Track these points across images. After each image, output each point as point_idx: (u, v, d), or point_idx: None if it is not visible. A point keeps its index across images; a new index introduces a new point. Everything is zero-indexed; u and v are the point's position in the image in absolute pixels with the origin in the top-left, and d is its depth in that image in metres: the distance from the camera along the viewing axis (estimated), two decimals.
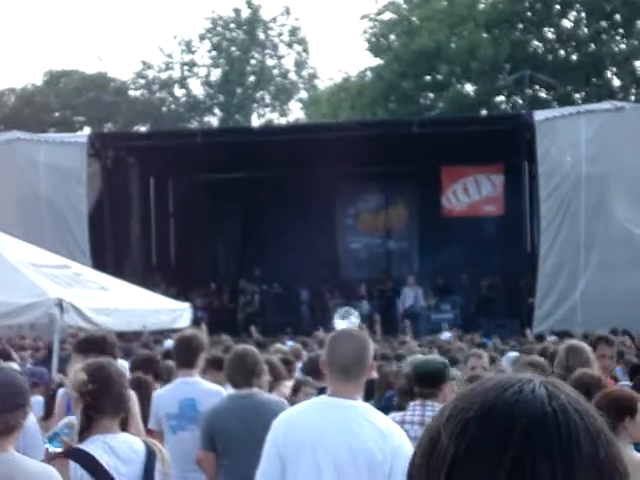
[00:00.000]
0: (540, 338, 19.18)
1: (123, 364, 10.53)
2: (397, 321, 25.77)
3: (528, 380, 1.28)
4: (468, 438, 1.23)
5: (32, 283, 12.24)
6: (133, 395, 6.55)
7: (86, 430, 4.41)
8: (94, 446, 4.35)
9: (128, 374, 7.21)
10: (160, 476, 4.50)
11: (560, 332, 19.58)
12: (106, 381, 4.43)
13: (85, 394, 4.40)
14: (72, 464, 4.28)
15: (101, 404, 4.40)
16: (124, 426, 4.51)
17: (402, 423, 5.78)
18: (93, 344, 6.54)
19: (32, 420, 5.94)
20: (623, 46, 37.23)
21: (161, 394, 7.50)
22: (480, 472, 1.21)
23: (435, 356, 7.81)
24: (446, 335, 19.55)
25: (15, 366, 10.53)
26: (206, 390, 7.34)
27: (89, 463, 4.28)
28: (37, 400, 9.22)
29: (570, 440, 1.21)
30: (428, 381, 6.26)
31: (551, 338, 18.39)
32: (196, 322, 17.52)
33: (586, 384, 5.92)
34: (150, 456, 4.46)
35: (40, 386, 9.65)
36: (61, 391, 7.47)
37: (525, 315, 24.28)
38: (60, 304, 11.67)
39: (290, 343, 15.96)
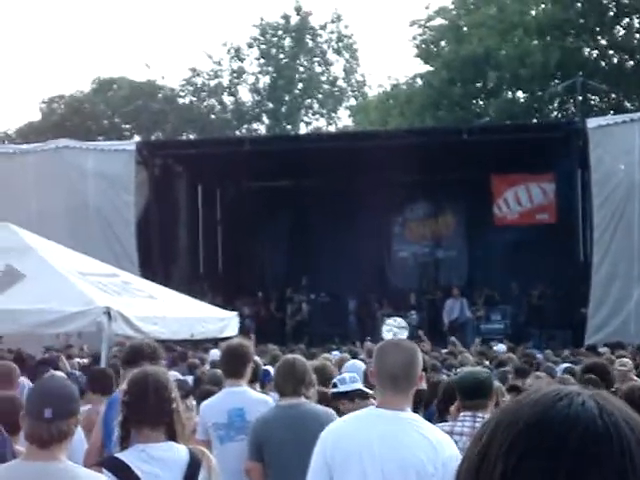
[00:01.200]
0: (593, 349, 18.85)
1: (176, 374, 10.42)
2: (446, 332, 25.54)
3: (577, 393, 1.26)
4: (517, 454, 1.20)
5: (80, 291, 12.17)
6: (191, 404, 6.80)
7: (125, 439, 4.46)
8: (131, 455, 4.38)
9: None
10: None
11: (613, 344, 19.25)
12: (142, 392, 4.46)
13: (124, 404, 4.51)
14: (106, 473, 4.30)
15: (137, 414, 4.44)
16: (172, 435, 4.46)
17: (451, 434, 5.74)
18: (136, 354, 6.62)
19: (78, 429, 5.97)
20: None
21: (209, 404, 7.40)
22: None
23: (480, 369, 7.66)
24: (499, 347, 19.21)
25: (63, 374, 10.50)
26: (255, 399, 7.28)
27: (123, 472, 4.29)
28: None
29: (623, 454, 1.18)
30: (475, 392, 6.20)
31: (603, 349, 18.12)
32: (243, 331, 17.43)
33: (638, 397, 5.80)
34: (193, 464, 4.41)
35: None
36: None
37: (577, 326, 23.93)
38: (108, 312, 11.59)
39: (336, 353, 15.81)
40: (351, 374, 8.15)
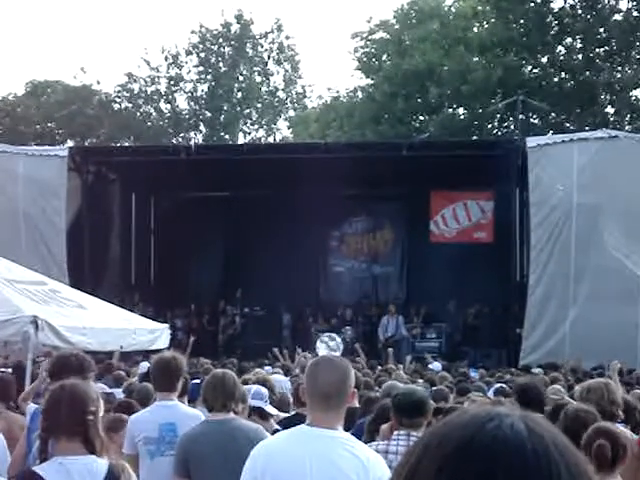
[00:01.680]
0: (527, 370, 18.87)
1: (102, 387, 10.10)
2: (380, 349, 25.42)
3: (506, 414, 1.25)
4: (446, 475, 1.19)
5: (6, 299, 11.94)
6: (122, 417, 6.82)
7: (44, 451, 4.39)
8: (49, 468, 4.29)
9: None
10: None
11: (547, 364, 19.30)
12: (56, 401, 4.42)
13: (41, 414, 4.53)
14: None
15: (51, 424, 4.40)
16: (91, 448, 4.36)
17: (386, 453, 5.82)
18: (62, 366, 6.42)
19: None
20: (618, 74, 37.10)
21: (138, 417, 7.26)
22: None
23: (417, 387, 7.65)
24: (435, 365, 19.09)
25: None
26: (186, 414, 7.14)
27: None
28: None
29: (551, 478, 1.18)
30: (414, 411, 6.22)
31: (536, 370, 18.15)
32: (174, 344, 17.16)
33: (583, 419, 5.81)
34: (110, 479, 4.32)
35: None
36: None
37: (512, 345, 23.99)
38: (35, 322, 11.32)
39: (268, 368, 15.58)
40: (257, 388, 8.25)
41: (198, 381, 9.96)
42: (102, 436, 4.43)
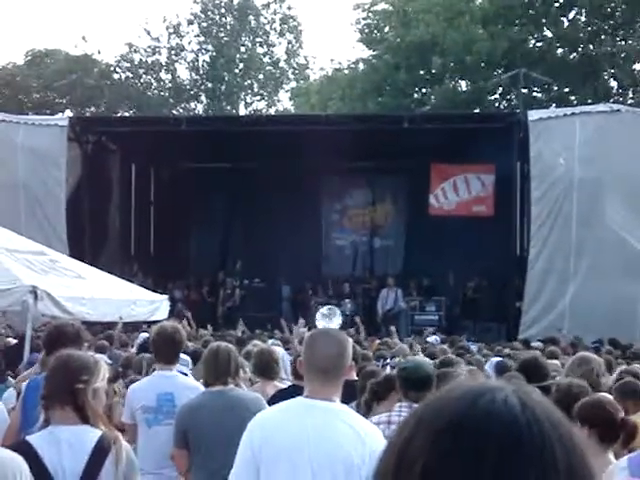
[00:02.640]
0: (527, 344, 18.89)
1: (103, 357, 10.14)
2: (379, 322, 25.50)
3: (499, 388, 1.26)
4: (438, 452, 1.20)
5: (6, 269, 11.95)
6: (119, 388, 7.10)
7: (46, 420, 4.45)
8: (41, 438, 4.36)
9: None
10: (115, 473, 4.33)
11: (546, 339, 19.32)
12: (53, 372, 4.51)
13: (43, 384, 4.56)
14: None
15: (47, 395, 4.45)
16: (85, 418, 4.40)
17: (388, 423, 5.94)
18: (59, 336, 6.56)
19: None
20: (622, 47, 36.97)
21: (138, 387, 7.39)
22: None
23: (425, 360, 7.63)
24: (432, 338, 19.12)
25: None
26: (185, 385, 7.21)
27: (28, 456, 4.14)
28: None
29: (544, 451, 1.19)
30: (418, 385, 6.25)
31: (536, 344, 18.20)
32: (173, 315, 17.24)
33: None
34: (100, 450, 4.33)
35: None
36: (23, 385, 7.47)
37: (511, 319, 24.00)
38: (34, 292, 11.38)
39: (271, 341, 15.61)
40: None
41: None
42: (94, 405, 4.43)
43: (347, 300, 26.28)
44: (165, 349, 7.26)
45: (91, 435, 4.36)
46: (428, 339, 19.30)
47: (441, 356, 12.55)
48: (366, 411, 6.85)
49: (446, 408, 1.23)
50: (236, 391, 6.49)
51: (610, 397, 5.95)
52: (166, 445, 6.75)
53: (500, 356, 14.32)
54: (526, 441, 1.19)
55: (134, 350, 12.77)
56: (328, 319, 13.11)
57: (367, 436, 4.36)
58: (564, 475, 1.19)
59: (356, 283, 28.11)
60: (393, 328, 20.35)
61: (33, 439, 4.36)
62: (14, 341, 14.57)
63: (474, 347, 17.41)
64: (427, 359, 8.19)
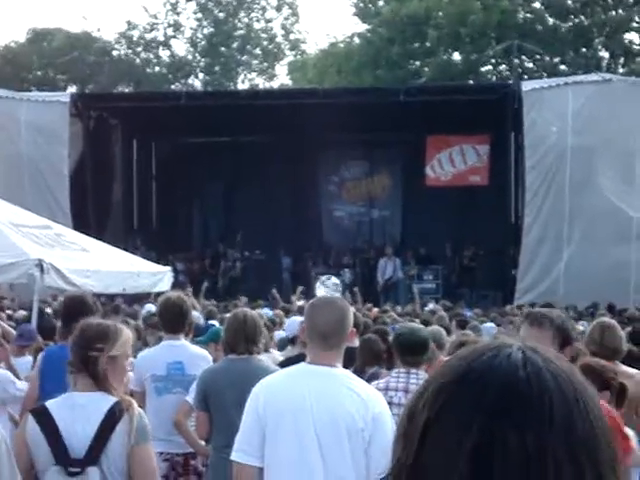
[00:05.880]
0: (522, 310, 19.04)
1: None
2: (378, 291, 25.75)
3: (506, 345, 1.27)
4: (441, 402, 1.23)
5: (12, 243, 12.03)
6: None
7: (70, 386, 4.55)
8: (58, 403, 4.45)
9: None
10: (126, 438, 4.36)
11: (542, 305, 19.47)
12: (72, 340, 4.61)
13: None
14: (30, 419, 4.42)
15: (69, 362, 4.55)
16: (101, 384, 4.46)
17: (386, 390, 5.94)
18: (74, 306, 6.72)
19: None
20: (613, 17, 36.99)
21: (146, 355, 7.49)
22: (450, 436, 1.20)
23: (420, 326, 7.77)
24: (430, 307, 19.38)
25: None
26: (194, 354, 7.32)
27: (43, 418, 4.38)
28: (27, 360, 9.11)
29: (543, 406, 1.19)
30: (414, 350, 6.36)
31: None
32: (176, 286, 17.37)
33: None
34: (112, 415, 4.37)
35: (30, 346, 9.54)
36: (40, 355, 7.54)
37: (508, 287, 24.25)
38: (40, 265, 11.48)
39: (266, 310, 15.85)
40: None
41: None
42: (108, 373, 4.48)
43: (346, 270, 26.47)
44: (172, 319, 7.35)
45: (105, 401, 4.41)
46: (426, 308, 19.48)
47: (437, 323, 12.86)
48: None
49: (453, 365, 1.27)
50: (260, 362, 6.45)
51: (602, 361, 6.02)
52: (175, 413, 6.92)
53: (497, 323, 14.64)
54: (524, 393, 1.20)
55: (140, 321, 13.00)
56: (328, 287, 13.43)
57: (369, 400, 4.43)
58: (563, 430, 1.19)
59: (355, 253, 28.34)
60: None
61: (50, 403, 4.46)
62: (24, 313, 14.75)
63: (469, 313, 17.69)
64: (420, 325, 8.38)
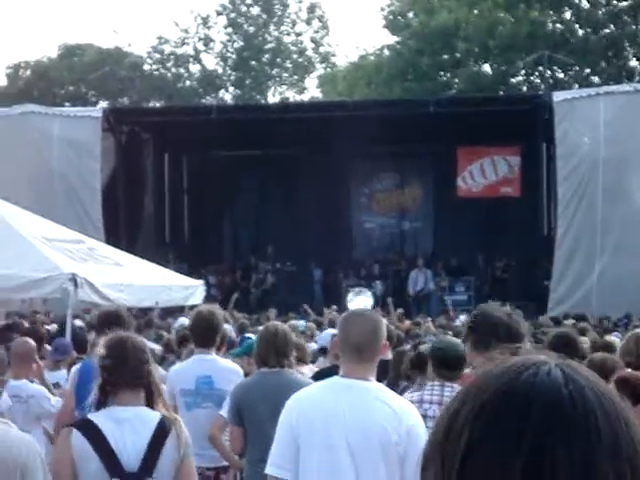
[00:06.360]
0: (557, 322, 18.92)
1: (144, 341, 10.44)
2: (410, 303, 25.67)
3: (543, 362, 1.26)
4: (483, 421, 1.21)
5: (45, 257, 12.10)
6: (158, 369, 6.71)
7: (102, 403, 4.46)
8: (103, 417, 4.40)
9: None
10: (175, 452, 4.41)
11: (575, 316, 19.35)
12: (122, 355, 4.46)
13: (102, 368, 4.46)
14: (75, 433, 4.34)
15: (116, 378, 4.43)
16: (149, 401, 4.48)
17: (420, 402, 5.90)
18: (109, 320, 6.75)
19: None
20: None
21: (177, 370, 7.56)
22: (497, 457, 1.19)
23: (457, 340, 7.73)
24: (462, 318, 19.24)
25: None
26: (223, 368, 7.35)
27: (92, 432, 4.32)
28: (62, 374, 9.17)
29: (588, 424, 1.19)
30: (451, 365, 6.30)
31: (569, 322, 18.15)
32: (208, 299, 17.39)
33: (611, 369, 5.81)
34: (162, 431, 4.39)
35: (65, 360, 9.60)
36: (74, 368, 7.63)
37: (540, 298, 24.13)
38: (74, 279, 11.52)
39: (302, 322, 15.86)
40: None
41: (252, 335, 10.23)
42: (159, 386, 4.56)
43: (377, 282, 26.44)
44: (202, 333, 7.39)
45: (152, 415, 4.44)
46: (457, 321, 19.36)
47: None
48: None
49: (491, 381, 1.25)
50: (291, 374, 6.46)
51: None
52: (206, 427, 6.89)
53: (531, 334, 14.52)
54: (569, 412, 1.19)
55: (173, 335, 13.04)
56: (359, 300, 13.36)
57: (403, 413, 4.40)
58: (608, 447, 1.18)
59: (386, 265, 28.31)
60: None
61: (95, 417, 4.41)
62: (55, 326, 14.82)
63: None
64: (458, 340, 8.33)
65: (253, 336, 9.82)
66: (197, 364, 7.36)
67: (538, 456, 1.17)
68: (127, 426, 4.38)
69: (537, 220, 25.36)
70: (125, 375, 4.44)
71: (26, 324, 13.79)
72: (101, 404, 4.47)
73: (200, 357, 7.39)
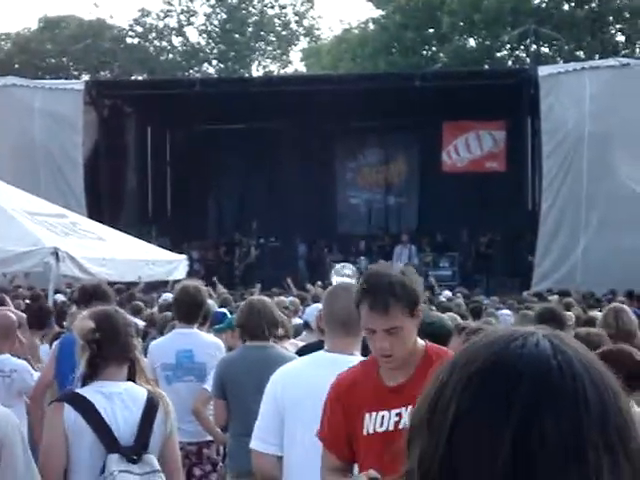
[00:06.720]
0: (540, 297, 18.92)
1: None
2: None
3: (531, 333, 1.26)
4: (471, 393, 1.22)
5: (28, 231, 12.09)
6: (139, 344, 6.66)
7: (89, 378, 4.40)
8: (93, 391, 4.35)
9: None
10: (164, 428, 4.42)
11: (560, 291, 19.35)
12: (113, 329, 4.41)
13: (91, 342, 4.36)
14: (67, 407, 4.29)
15: (106, 352, 4.37)
16: (132, 375, 4.47)
17: None
18: (91, 293, 6.79)
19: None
20: (629, 2, 36.78)
21: (157, 344, 7.53)
22: (485, 428, 1.19)
23: (444, 315, 7.64)
24: (446, 293, 19.27)
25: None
26: (204, 342, 7.35)
27: (84, 407, 4.29)
28: (45, 348, 9.10)
29: (577, 395, 1.20)
30: (440, 339, 6.00)
31: (553, 298, 18.16)
32: (191, 274, 17.34)
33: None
34: (151, 405, 4.40)
35: (47, 334, 9.53)
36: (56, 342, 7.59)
37: (524, 273, 24.15)
38: (56, 253, 11.52)
39: (291, 298, 15.73)
40: None
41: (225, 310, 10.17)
42: (142, 362, 4.56)
43: (362, 257, 26.38)
44: (186, 308, 7.38)
45: (140, 391, 4.42)
46: (441, 297, 19.35)
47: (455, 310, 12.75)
48: None
49: (479, 352, 1.25)
50: (276, 349, 6.41)
51: (630, 347, 5.80)
52: (187, 401, 6.91)
53: (514, 309, 14.51)
54: (557, 383, 1.20)
55: (156, 309, 12.95)
56: (344, 275, 13.33)
57: None
58: (597, 417, 1.19)
59: (371, 240, 28.26)
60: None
61: (84, 391, 4.35)
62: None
63: (486, 300, 17.57)
64: (443, 314, 8.25)
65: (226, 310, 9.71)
66: (178, 338, 7.35)
67: (527, 427, 1.17)
68: (117, 401, 4.35)
69: (522, 195, 25.30)
70: (115, 350, 4.38)
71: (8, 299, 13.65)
72: (88, 378, 4.40)
73: (181, 331, 7.38)
